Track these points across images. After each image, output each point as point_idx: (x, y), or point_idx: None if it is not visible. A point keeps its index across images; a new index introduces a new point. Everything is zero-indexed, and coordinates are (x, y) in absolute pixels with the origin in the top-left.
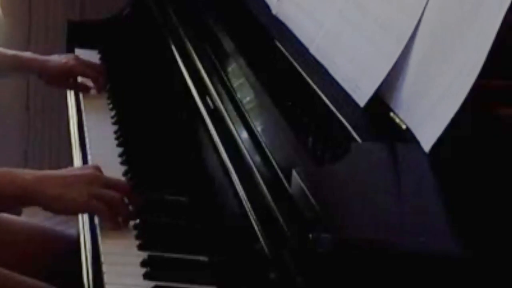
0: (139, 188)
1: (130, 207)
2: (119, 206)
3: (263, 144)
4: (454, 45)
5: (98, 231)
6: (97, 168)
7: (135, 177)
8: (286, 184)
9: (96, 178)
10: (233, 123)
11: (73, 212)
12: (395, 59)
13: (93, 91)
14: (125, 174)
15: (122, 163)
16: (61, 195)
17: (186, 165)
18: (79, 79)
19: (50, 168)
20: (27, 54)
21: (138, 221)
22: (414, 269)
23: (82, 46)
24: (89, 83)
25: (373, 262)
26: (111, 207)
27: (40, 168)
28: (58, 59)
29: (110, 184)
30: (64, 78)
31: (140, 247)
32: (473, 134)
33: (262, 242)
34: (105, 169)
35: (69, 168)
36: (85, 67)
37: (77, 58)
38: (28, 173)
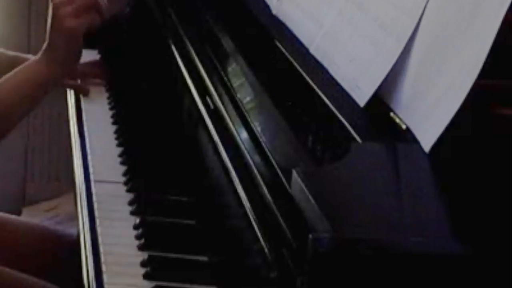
0: (139, 188)
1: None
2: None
3: (263, 144)
4: (454, 45)
5: (98, 231)
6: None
7: (135, 177)
8: (286, 184)
9: (56, 7)
10: (233, 123)
11: (72, 39)
12: (395, 59)
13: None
14: (125, 174)
15: (122, 163)
16: (59, 46)
17: (186, 165)
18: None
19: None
20: (29, 56)
21: (138, 221)
22: (414, 269)
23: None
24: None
25: (373, 262)
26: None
27: (40, 167)
28: None
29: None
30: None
31: (140, 247)
32: (473, 134)
33: (262, 242)
34: (105, 169)
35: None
36: (90, 72)
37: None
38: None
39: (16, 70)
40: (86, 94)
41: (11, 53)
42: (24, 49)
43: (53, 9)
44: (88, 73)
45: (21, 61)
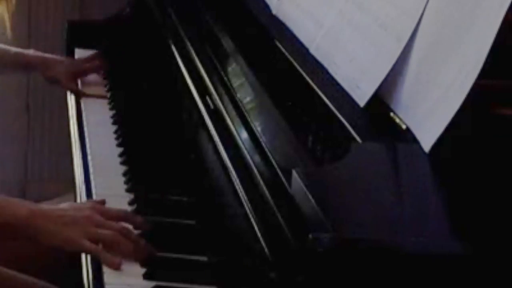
0: (139, 188)
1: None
2: (117, 243)
3: (263, 144)
4: (454, 45)
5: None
6: (95, 206)
7: (135, 177)
8: (286, 184)
9: (92, 219)
10: (233, 123)
11: (67, 249)
12: (395, 59)
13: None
14: (125, 174)
15: (122, 163)
16: (57, 232)
17: (186, 165)
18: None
19: (50, 169)
20: (31, 52)
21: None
22: (414, 269)
23: (82, 46)
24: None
25: (373, 262)
26: (109, 246)
27: (40, 167)
28: (63, 58)
29: (106, 225)
30: (68, 78)
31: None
32: (473, 134)
33: (262, 242)
34: (105, 169)
35: (67, 205)
36: (86, 63)
37: (78, 61)
38: (25, 205)
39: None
40: (82, 96)
41: (14, 49)
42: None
43: (85, 218)
44: (88, 68)
45: (24, 57)
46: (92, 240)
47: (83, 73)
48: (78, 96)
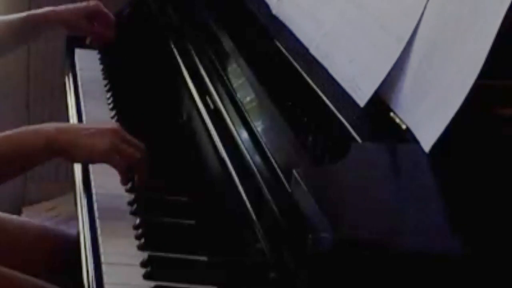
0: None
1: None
2: (136, 163)
3: (263, 144)
4: (454, 45)
5: (98, 231)
6: (118, 124)
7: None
8: (286, 184)
9: (118, 132)
10: (233, 123)
11: (92, 159)
12: (395, 59)
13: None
14: None
15: None
16: (85, 145)
17: (186, 165)
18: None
19: (50, 169)
20: (43, 9)
21: (138, 221)
22: (414, 269)
23: (82, 46)
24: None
25: (373, 262)
26: (128, 162)
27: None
28: (77, 4)
29: (130, 141)
30: (84, 21)
31: (140, 247)
32: (473, 134)
33: (262, 242)
34: (105, 170)
35: (90, 123)
36: (104, 12)
37: (96, 3)
38: (50, 126)
39: (25, 131)
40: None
41: (24, 13)
42: (24, 49)
43: (112, 130)
44: (101, 11)
45: (36, 15)
46: (115, 152)
47: (97, 14)
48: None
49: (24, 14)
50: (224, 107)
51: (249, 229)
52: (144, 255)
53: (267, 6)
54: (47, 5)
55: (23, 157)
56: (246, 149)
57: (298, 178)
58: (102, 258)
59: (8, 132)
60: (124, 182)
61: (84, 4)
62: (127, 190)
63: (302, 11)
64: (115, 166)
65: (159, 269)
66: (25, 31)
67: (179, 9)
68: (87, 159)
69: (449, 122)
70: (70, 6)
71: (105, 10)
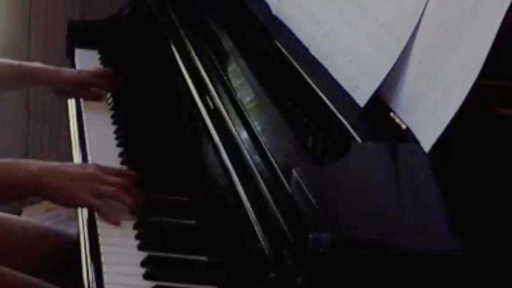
0: (139, 188)
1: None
2: (120, 197)
3: (263, 144)
4: (454, 45)
5: (98, 231)
6: (97, 166)
7: None
8: (286, 184)
9: (97, 176)
10: (233, 123)
11: (74, 205)
12: (395, 59)
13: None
14: None
15: (122, 163)
16: (65, 188)
17: (186, 165)
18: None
19: None
20: (36, 64)
21: (138, 221)
22: (414, 269)
23: (82, 46)
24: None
25: (373, 262)
26: (113, 199)
27: None
28: (70, 70)
29: (110, 181)
30: (75, 89)
31: (140, 247)
32: (473, 134)
33: (262, 242)
34: None
35: (70, 164)
36: (99, 78)
37: (89, 71)
38: (33, 164)
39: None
40: (99, 99)
41: (16, 62)
42: (25, 49)
43: (91, 175)
44: (94, 81)
45: (27, 69)
46: (96, 196)
47: (94, 85)
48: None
49: (16, 63)
50: (224, 107)
51: (249, 229)
52: (144, 255)
53: (267, 6)
54: (47, 5)
55: (4, 190)
56: (246, 149)
57: (298, 178)
58: (102, 258)
59: None
60: (111, 221)
61: (75, 74)
62: None
63: (302, 11)
64: (94, 210)
65: (159, 269)
66: (13, 81)
67: (179, 9)
68: (64, 203)
69: (449, 122)
70: (63, 70)
71: (98, 80)
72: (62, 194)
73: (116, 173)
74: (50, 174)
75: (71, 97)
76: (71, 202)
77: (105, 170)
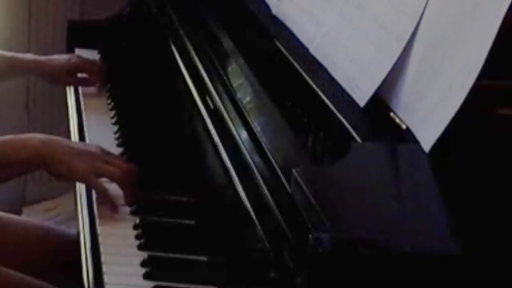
0: (139, 188)
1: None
2: (122, 183)
3: (263, 144)
4: (454, 45)
5: (98, 231)
6: (99, 147)
7: None
8: (286, 184)
9: (98, 155)
10: (233, 123)
11: (74, 179)
12: (395, 59)
13: (93, 89)
14: None
15: None
16: (67, 162)
17: (186, 165)
18: (80, 75)
19: None
20: (28, 56)
21: (138, 221)
22: (414, 269)
23: (82, 46)
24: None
25: (373, 262)
26: (112, 181)
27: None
28: (60, 57)
29: (111, 162)
30: (66, 76)
31: (140, 247)
32: (473, 134)
33: (262, 242)
34: None
35: (73, 141)
36: (87, 63)
37: (79, 56)
38: (34, 137)
39: (13, 140)
40: (88, 85)
41: (9, 54)
42: (25, 49)
43: (94, 153)
44: (90, 69)
45: (19, 61)
46: (98, 175)
47: (82, 69)
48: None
49: (9, 55)
50: (224, 107)
51: (249, 229)
52: (144, 255)
53: (267, 6)
54: (47, 5)
55: (4, 165)
56: (246, 149)
57: (298, 178)
58: (102, 258)
59: None
60: (108, 204)
61: (65, 59)
62: None
63: (302, 11)
64: (94, 188)
65: (159, 269)
66: (7, 72)
67: (179, 9)
68: (66, 176)
69: (449, 122)
70: (53, 58)
71: (88, 62)
72: (65, 169)
73: (119, 158)
74: (52, 146)
75: (63, 84)
76: (72, 176)
77: (108, 152)
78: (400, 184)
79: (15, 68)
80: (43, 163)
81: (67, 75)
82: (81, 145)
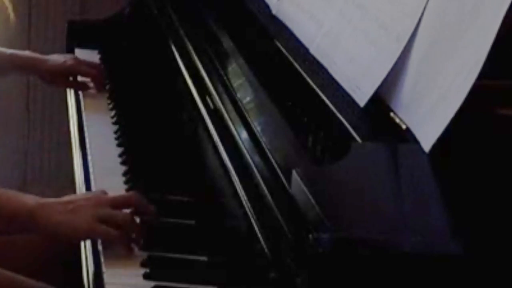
0: (139, 188)
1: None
2: (130, 226)
3: (263, 144)
4: (454, 45)
5: None
6: (102, 191)
7: (135, 177)
8: (286, 184)
9: (101, 200)
10: (233, 123)
11: (79, 238)
12: (395, 59)
13: (92, 91)
14: (125, 174)
15: (122, 163)
16: (65, 221)
17: (186, 165)
18: (79, 78)
19: (50, 169)
20: (26, 53)
21: (138, 221)
22: (414, 269)
23: (82, 46)
24: (89, 82)
25: (373, 261)
26: (121, 228)
27: (40, 167)
28: (57, 58)
29: (117, 203)
30: (63, 77)
31: (140, 247)
32: (473, 134)
33: (262, 242)
34: (105, 169)
35: (72, 195)
36: (85, 66)
37: (76, 58)
38: (30, 198)
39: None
40: (86, 89)
41: (8, 51)
42: (25, 49)
43: (94, 200)
44: (87, 72)
45: (18, 58)
46: (103, 221)
47: (79, 72)
48: (79, 89)
49: (8, 51)
50: (224, 107)
51: (249, 229)
52: (144, 255)
53: (267, 6)
54: (47, 5)
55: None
56: (246, 149)
57: (298, 178)
58: (102, 258)
59: None
60: (126, 249)
61: (61, 61)
62: (127, 190)
63: (302, 11)
64: (104, 239)
65: (159, 269)
66: (4, 69)
67: (179, 9)
68: (73, 239)
69: (449, 122)
70: (50, 58)
71: (84, 65)
72: (66, 229)
73: (125, 200)
74: (48, 208)
75: (59, 86)
76: (77, 236)
77: (109, 197)
78: (400, 184)
79: (13, 65)
80: (43, 228)
81: (62, 78)
82: (79, 197)
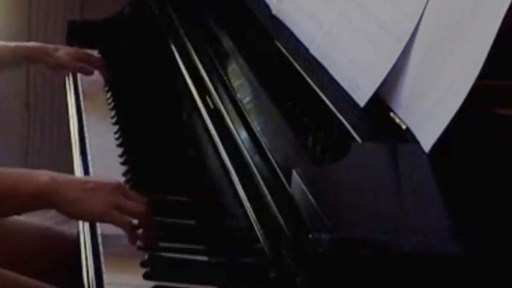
0: (139, 188)
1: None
2: (140, 218)
3: (263, 144)
4: (454, 45)
5: (98, 231)
6: (118, 181)
7: (135, 177)
8: (286, 184)
9: (118, 188)
10: (233, 123)
11: (89, 218)
12: (395, 59)
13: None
14: (125, 174)
15: (122, 163)
16: (78, 200)
17: (186, 165)
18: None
19: (51, 168)
20: (32, 43)
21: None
22: (414, 269)
23: (82, 46)
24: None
25: (373, 261)
26: (131, 217)
27: (40, 167)
28: (63, 48)
29: (132, 197)
30: (73, 60)
31: (140, 247)
32: (473, 134)
33: (262, 242)
34: (105, 169)
35: (90, 176)
36: (92, 57)
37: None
38: (45, 174)
39: (23, 174)
40: (91, 74)
41: (12, 43)
42: None
43: (111, 185)
44: (89, 59)
45: (23, 49)
46: (118, 209)
47: (84, 58)
48: (88, 74)
49: (12, 45)
50: (224, 107)
51: (249, 229)
52: (144, 255)
53: (267, 6)
54: (47, 5)
55: (12, 202)
56: (246, 149)
57: (298, 178)
58: (102, 258)
59: (2, 170)
60: (132, 240)
61: (71, 48)
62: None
63: (302, 11)
64: (116, 224)
65: (159, 269)
66: (10, 62)
67: (179, 9)
68: (86, 218)
69: (449, 122)
70: (58, 46)
71: (92, 57)
72: (77, 207)
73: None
74: (63, 184)
75: (69, 69)
76: (88, 215)
77: (128, 189)
78: (400, 184)
79: (19, 56)
80: (56, 204)
81: (74, 60)
82: (96, 179)
